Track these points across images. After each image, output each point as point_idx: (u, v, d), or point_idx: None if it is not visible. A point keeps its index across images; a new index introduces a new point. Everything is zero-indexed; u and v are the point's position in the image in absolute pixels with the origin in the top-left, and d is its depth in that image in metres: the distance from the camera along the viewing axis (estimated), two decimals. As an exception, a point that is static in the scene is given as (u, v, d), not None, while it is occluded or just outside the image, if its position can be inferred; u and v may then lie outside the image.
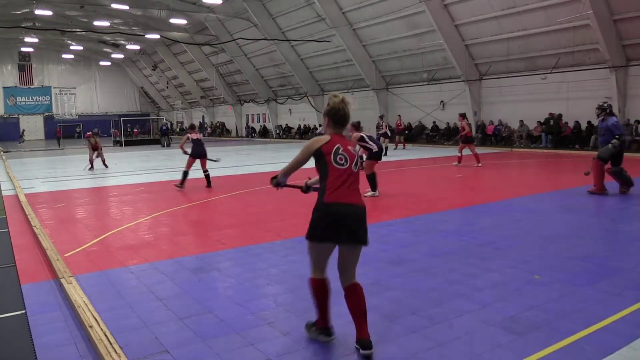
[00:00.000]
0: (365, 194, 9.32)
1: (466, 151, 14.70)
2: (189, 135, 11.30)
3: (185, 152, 11.26)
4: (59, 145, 34.71)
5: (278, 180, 3.62)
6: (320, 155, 3.29)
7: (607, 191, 8.92)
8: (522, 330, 3.52)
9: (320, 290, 3.41)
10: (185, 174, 10.95)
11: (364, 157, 9.42)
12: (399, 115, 24.90)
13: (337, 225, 3.24)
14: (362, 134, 9.41)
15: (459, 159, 14.55)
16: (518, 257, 5.31)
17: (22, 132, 46.67)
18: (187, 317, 3.93)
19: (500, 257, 5.31)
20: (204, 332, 3.64)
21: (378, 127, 20.35)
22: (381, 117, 21.21)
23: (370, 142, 9.44)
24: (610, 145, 8.77)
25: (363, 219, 3.33)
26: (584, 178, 9.33)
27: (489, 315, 3.80)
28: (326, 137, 3.34)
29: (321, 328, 3.48)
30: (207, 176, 11.30)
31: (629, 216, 7.48)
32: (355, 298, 3.33)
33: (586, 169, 9.36)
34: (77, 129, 49.24)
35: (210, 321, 3.85)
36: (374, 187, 9.52)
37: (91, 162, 16.72)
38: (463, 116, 14.87)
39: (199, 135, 11.41)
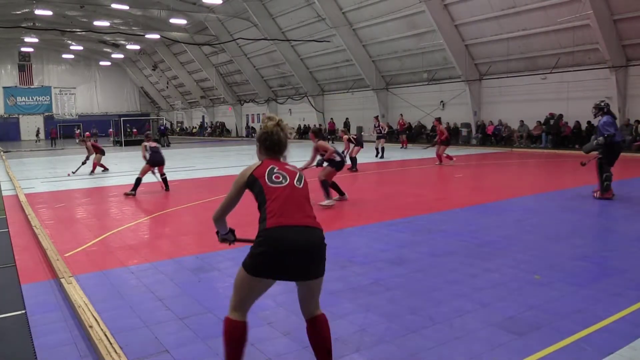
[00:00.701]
0: (319, 204, 8.20)
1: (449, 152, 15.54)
2: (146, 144, 11.10)
3: (145, 158, 11.05)
4: (53, 145, 35.43)
5: (223, 236, 3.12)
6: (253, 181, 2.77)
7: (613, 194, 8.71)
8: (522, 330, 3.52)
9: (237, 334, 2.73)
10: (138, 180, 10.59)
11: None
12: (401, 115, 24.88)
13: (284, 257, 2.61)
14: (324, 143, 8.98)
15: (449, 157, 15.17)
16: (518, 257, 5.31)
17: (38, 131, 46.89)
18: (187, 317, 3.93)
19: (500, 257, 5.31)
20: (204, 332, 3.64)
21: (375, 127, 19.53)
22: (376, 118, 20.64)
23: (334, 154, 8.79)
24: (595, 141, 8.55)
25: (319, 246, 2.71)
26: (584, 178, 9.33)
27: (489, 315, 3.80)
28: (257, 162, 2.87)
29: None
30: (165, 179, 11.01)
31: (629, 216, 7.48)
32: (318, 333, 2.83)
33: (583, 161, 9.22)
34: (77, 129, 49.12)
35: (210, 321, 3.84)
36: (328, 194, 8.57)
37: (97, 165, 15.30)
38: (439, 120, 16.61)
39: (156, 144, 11.20)
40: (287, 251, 2.60)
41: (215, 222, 3.05)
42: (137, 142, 37.75)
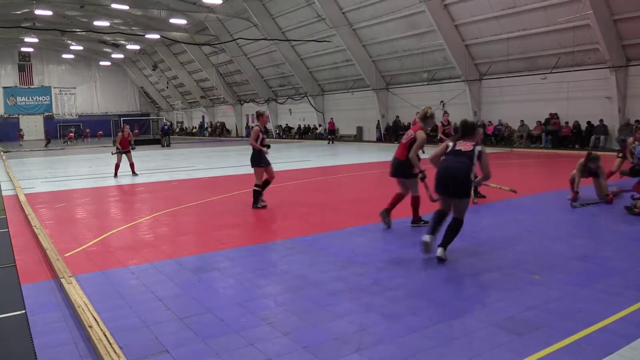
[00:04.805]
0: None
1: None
2: None
3: None
4: (45, 146, 36.03)
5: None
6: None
7: None
8: (522, 330, 3.52)
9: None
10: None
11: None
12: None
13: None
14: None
15: None
16: (518, 257, 5.31)
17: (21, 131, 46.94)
18: (187, 317, 3.93)
19: (500, 257, 5.32)
20: (204, 332, 3.64)
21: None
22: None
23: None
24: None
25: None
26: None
27: (489, 315, 3.80)
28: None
29: None
30: None
31: (629, 216, 7.47)
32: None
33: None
34: (72, 129, 48.41)
35: (210, 321, 3.84)
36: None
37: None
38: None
39: None
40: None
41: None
42: (138, 142, 37.65)
